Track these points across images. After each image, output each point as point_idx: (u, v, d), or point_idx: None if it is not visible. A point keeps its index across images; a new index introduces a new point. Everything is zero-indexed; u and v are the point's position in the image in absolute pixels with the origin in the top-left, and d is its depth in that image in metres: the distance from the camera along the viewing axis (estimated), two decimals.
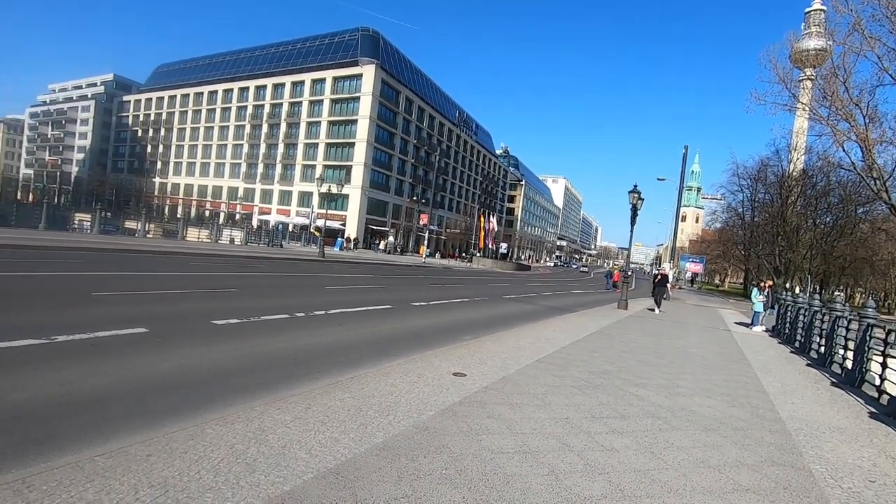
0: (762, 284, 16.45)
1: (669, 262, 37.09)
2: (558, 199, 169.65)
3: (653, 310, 18.35)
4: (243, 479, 2.72)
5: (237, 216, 64.35)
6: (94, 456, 2.82)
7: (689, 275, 59.96)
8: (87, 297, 8.11)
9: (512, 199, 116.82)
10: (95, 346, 5.28)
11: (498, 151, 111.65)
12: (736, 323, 18.06)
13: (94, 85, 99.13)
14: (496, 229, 66.78)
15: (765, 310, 16.05)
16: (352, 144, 58.52)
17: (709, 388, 6.44)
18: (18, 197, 76.15)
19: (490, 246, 63.23)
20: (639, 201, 17.58)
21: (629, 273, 19.50)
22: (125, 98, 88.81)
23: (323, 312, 9.25)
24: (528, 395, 5.04)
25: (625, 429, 4.29)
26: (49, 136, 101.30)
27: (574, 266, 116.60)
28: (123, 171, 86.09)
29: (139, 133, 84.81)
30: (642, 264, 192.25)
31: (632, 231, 18.27)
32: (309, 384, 4.83)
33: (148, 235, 29.60)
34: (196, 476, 2.70)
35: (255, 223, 57.07)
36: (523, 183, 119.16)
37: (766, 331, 15.55)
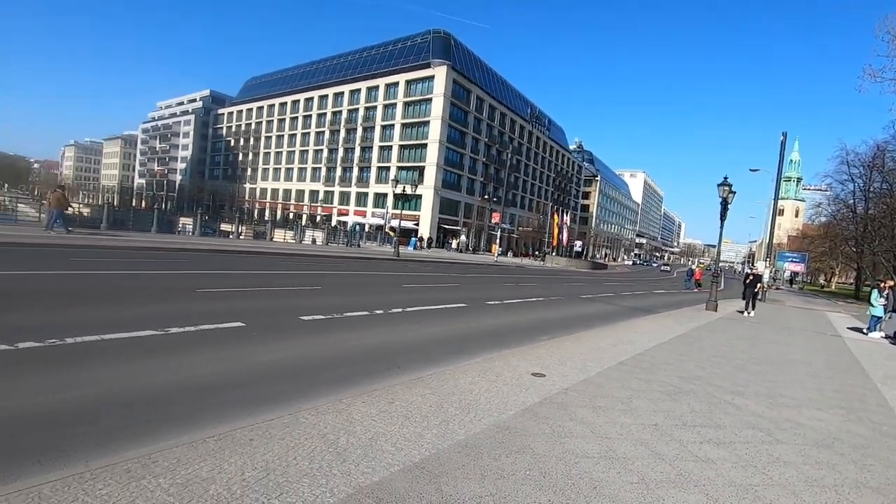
0: (883, 285, 14.51)
1: (765, 260, 34.00)
2: (637, 194, 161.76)
3: (743, 312, 16.94)
4: (335, 468, 2.86)
5: (318, 218, 67.93)
6: (206, 438, 3.10)
7: (787, 274, 54.60)
8: (192, 294, 8.94)
9: (587, 195, 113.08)
10: (202, 338, 5.80)
11: (572, 146, 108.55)
12: (848, 328, 16.19)
13: (194, 101, 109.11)
14: (570, 227, 64.91)
15: (885, 314, 14.20)
16: (424, 145, 59.61)
17: (818, 399, 5.83)
18: (133, 204, 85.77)
19: (564, 244, 61.63)
20: (730, 195, 16.28)
21: (718, 272, 18.11)
22: (219, 111, 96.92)
23: (400, 310, 9.50)
24: (612, 398, 4.85)
25: (721, 439, 3.99)
26: (157, 148, 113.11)
27: (654, 265, 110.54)
28: (219, 178, 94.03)
29: (231, 142, 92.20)
30: (732, 263, 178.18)
31: (722, 227, 16.97)
32: (390, 379, 4.98)
33: (240, 237, 32.09)
34: (293, 462, 2.88)
35: (334, 224, 59.89)
36: (598, 178, 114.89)
37: (887, 337, 13.77)
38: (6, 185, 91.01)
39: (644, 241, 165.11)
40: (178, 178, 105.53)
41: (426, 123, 59.72)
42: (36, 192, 68.67)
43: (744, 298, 17.88)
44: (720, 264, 19.17)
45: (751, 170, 32.79)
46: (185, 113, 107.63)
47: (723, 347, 9.15)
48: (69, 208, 18.68)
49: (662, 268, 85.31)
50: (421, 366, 5.70)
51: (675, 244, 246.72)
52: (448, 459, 3.11)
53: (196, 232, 27.26)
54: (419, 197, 55.85)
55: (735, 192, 16.54)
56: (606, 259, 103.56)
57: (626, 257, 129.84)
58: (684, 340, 9.41)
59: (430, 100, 59.24)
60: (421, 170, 58.90)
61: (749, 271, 18.74)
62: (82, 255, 12.40)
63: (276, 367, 5.14)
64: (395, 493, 2.64)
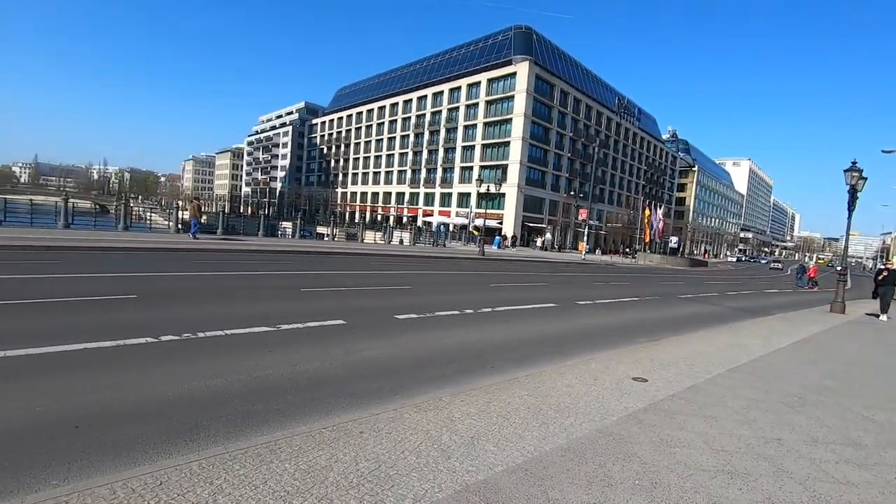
0: None
1: None
2: (741, 184, 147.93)
3: (877, 315, 14.79)
4: (441, 464, 2.95)
5: (404, 219, 70.16)
6: (322, 428, 3.35)
7: None
8: (298, 293, 9.66)
9: (682, 187, 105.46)
10: (309, 335, 6.26)
11: (664, 136, 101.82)
12: None
13: (291, 113, 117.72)
14: (664, 222, 60.89)
15: None
16: (507, 143, 59.18)
17: None
18: (241, 210, 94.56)
19: (657, 240, 57.98)
20: (859, 181, 14.34)
21: (845, 268, 16.03)
22: (313, 121, 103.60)
23: (489, 309, 9.53)
24: (725, 408, 4.49)
25: (863, 460, 3.54)
26: (260, 159, 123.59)
27: (763, 261, 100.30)
28: (314, 184, 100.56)
29: (324, 150, 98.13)
30: (861, 258, 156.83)
31: (850, 217, 14.99)
32: (486, 379, 5.02)
33: (334, 239, 34.08)
34: (401, 456, 3.02)
35: (420, 224, 61.51)
36: (695, 169, 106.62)
37: None
38: (140, 197, 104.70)
39: (750, 235, 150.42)
40: (279, 185, 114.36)
41: (508, 121, 59.24)
42: (163, 203, 78.09)
43: (874, 298, 15.65)
44: (847, 260, 16.90)
45: (883, 151, 28.54)
46: (283, 125, 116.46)
47: (854, 355, 8.10)
48: (203, 217, 21.14)
49: (773, 265, 74.85)
50: (515, 366, 5.68)
51: (788, 238, 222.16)
52: (551, 463, 3.08)
53: (296, 235, 29.39)
54: (502, 195, 55.56)
55: (866, 179, 14.54)
56: (706, 255, 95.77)
57: (728, 253, 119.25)
58: (806, 346, 8.45)
59: (512, 97, 58.66)
60: (504, 168, 58.54)
61: (883, 266, 16.12)
62: (206, 259, 13.90)
63: (376, 363, 5.40)
64: (501, 493, 2.66)
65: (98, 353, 4.70)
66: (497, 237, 46.66)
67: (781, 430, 4.04)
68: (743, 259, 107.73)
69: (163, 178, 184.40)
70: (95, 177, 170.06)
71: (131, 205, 29.02)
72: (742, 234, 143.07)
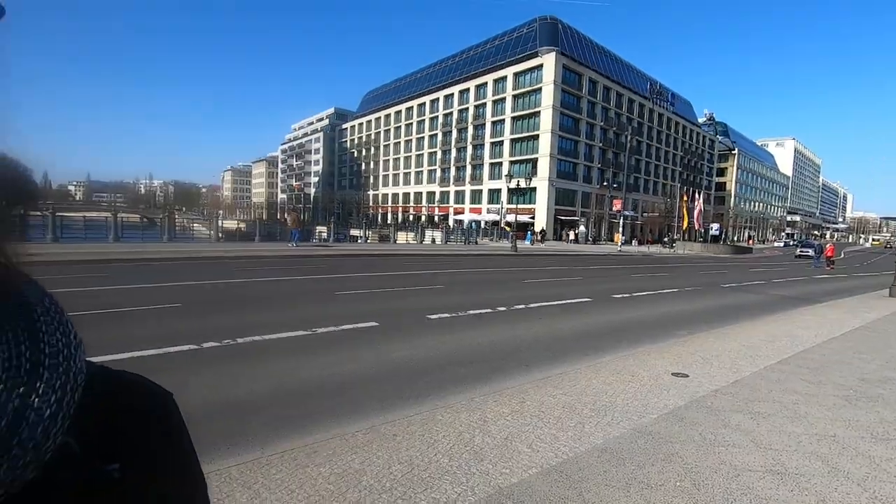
0: None
1: None
2: (786, 165, 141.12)
3: None
4: (474, 466, 2.92)
5: (436, 218, 70.41)
6: (355, 431, 3.38)
7: None
8: (332, 297, 9.84)
9: (722, 171, 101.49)
10: (343, 338, 6.35)
11: (701, 120, 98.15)
12: None
13: (322, 119, 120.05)
14: (703, 209, 58.65)
15: None
16: (536, 137, 58.45)
17: None
18: (278, 217, 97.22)
19: (697, 228, 56.02)
20: None
21: None
22: (343, 126, 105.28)
23: (523, 306, 9.42)
24: (773, 403, 4.27)
25: None
26: (294, 165, 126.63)
27: (794, 244, 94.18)
28: (346, 187, 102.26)
29: (355, 154, 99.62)
30: None
31: None
32: (519, 378, 4.96)
33: (367, 241, 34.56)
34: (434, 458, 3.01)
35: (451, 223, 61.59)
36: (735, 152, 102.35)
37: None
38: (183, 208, 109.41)
39: (798, 218, 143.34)
40: (313, 190, 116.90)
41: (536, 114, 58.49)
42: (204, 213, 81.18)
43: None
44: None
45: None
46: (314, 131, 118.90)
47: None
48: (300, 226, 22.46)
49: (801, 251, 45.93)
50: (549, 364, 5.59)
51: (840, 219, 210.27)
52: (587, 465, 3.00)
53: (331, 239, 29.96)
54: (533, 190, 54.98)
55: None
56: (751, 242, 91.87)
57: (775, 238, 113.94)
58: (863, 334, 7.96)
59: (540, 90, 57.87)
60: (534, 162, 57.85)
61: None
62: (243, 266, 14.35)
63: (408, 364, 5.42)
64: (535, 496, 2.61)
65: (141, 361, 4.91)
66: (529, 232, 46.21)
67: (836, 426, 3.81)
68: (791, 244, 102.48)
69: (204, 189, 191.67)
70: (142, 191, 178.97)
71: (175, 216, 30.28)
72: (789, 218, 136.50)
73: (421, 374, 5.12)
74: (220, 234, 26.85)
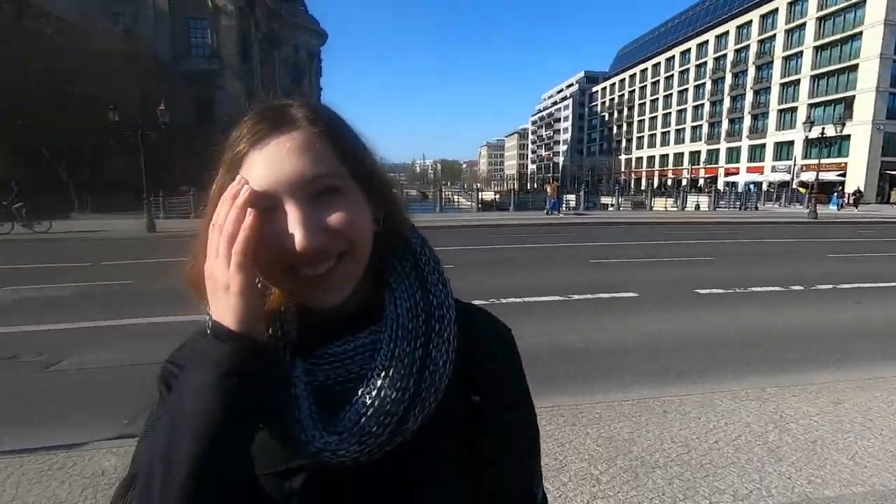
0: None
1: None
2: None
3: None
4: (768, 466, 2.52)
5: (700, 181, 61.65)
6: (622, 400, 3.32)
7: None
8: (587, 264, 9.75)
9: None
10: (598, 306, 6.26)
11: None
12: None
13: (571, 85, 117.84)
14: None
15: None
16: (854, 68, 44.38)
17: None
18: (528, 187, 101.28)
19: None
20: None
21: None
22: (593, 89, 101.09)
23: (830, 287, 7.47)
24: None
25: None
26: (544, 136, 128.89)
27: None
28: (595, 153, 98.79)
29: (605, 117, 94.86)
30: None
31: None
32: (828, 374, 4.00)
33: (620, 208, 32.80)
34: (715, 446, 2.71)
35: (720, 186, 53.00)
36: None
37: None
38: (448, 183, 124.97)
39: None
40: (561, 159, 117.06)
41: (857, 36, 44.19)
42: (465, 186, 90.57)
43: None
44: None
45: None
46: (563, 99, 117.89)
47: None
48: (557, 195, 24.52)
49: None
50: (870, 362, 4.32)
51: None
52: None
53: (580, 207, 29.62)
54: (846, 138, 42.17)
55: None
56: None
57: None
58: None
59: (863, 3, 43.35)
60: (849, 101, 44.26)
61: None
62: (502, 233, 15.53)
63: (673, 339, 4.99)
64: None
65: None
66: (835, 194, 35.97)
67: None
68: None
69: (464, 165, 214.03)
70: (417, 170, 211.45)
71: (443, 191, 34.75)
72: None
73: (688, 350, 4.66)
74: (479, 205, 29.59)
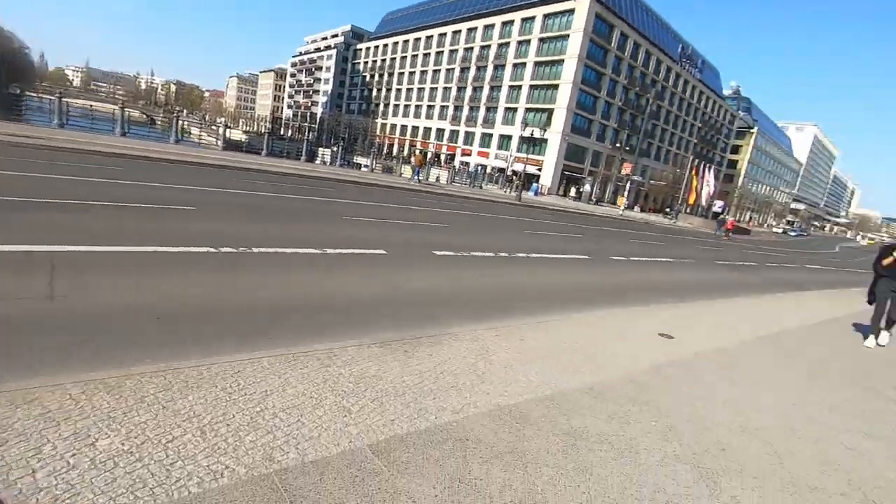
0: None
1: None
2: (801, 151, 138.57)
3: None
4: (477, 387, 3.28)
5: (442, 157, 69.36)
6: (370, 343, 3.71)
7: None
8: (341, 220, 10.03)
9: (736, 149, 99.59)
10: (353, 260, 6.63)
11: (726, 92, 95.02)
12: None
13: (336, 36, 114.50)
14: (713, 185, 58.13)
15: None
16: (556, 86, 56.54)
17: None
18: (282, 133, 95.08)
19: (702, 203, 55.89)
20: None
21: None
22: (358, 46, 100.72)
23: (524, 255, 9.72)
24: (748, 370, 4.67)
25: (877, 433, 3.71)
26: (303, 82, 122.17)
27: (794, 234, 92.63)
28: (354, 112, 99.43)
29: (367, 78, 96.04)
30: None
31: None
32: (518, 319, 5.30)
33: (372, 171, 34.27)
34: (441, 375, 3.36)
35: (457, 164, 60.78)
36: (754, 131, 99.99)
37: None
38: (184, 111, 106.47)
39: (802, 206, 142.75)
40: (320, 110, 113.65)
41: (560, 62, 56.25)
42: (206, 118, 79.10)
43: (870, 303, 7.42)
44: None
45: None
46: (328, 48, 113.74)
47: None
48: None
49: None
50: (546, 310, 5.93)
51: (843, 213, 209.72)
52: (576, 399, 3.37)
53: (336, 163, 29.70)
54: (545, 141, 53.91)
55: None
56: (750, 224, 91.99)
57: (774, 224, 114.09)
58: (843, 325, 8.39)
59: (568, 36, 55.27)
60: (550, 112, 56.40)
61: (890, 243, 8.24)
62: (254, 179, 14.39)
63: (417, 293, 5.75)
64: (529, 416, 2.98)
65: (164, 257, 5.16)
66: (535, 184, 45.93)
67: (800, 395, 4.21)
68: (791, 232, 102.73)
69: (207, 94, 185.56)
70: (143, 87, 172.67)
71: (180, 119, 29.66)
72: (794, 205, 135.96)
73: (428, 303, 5.45)
74: (225, 143, 26.51)
